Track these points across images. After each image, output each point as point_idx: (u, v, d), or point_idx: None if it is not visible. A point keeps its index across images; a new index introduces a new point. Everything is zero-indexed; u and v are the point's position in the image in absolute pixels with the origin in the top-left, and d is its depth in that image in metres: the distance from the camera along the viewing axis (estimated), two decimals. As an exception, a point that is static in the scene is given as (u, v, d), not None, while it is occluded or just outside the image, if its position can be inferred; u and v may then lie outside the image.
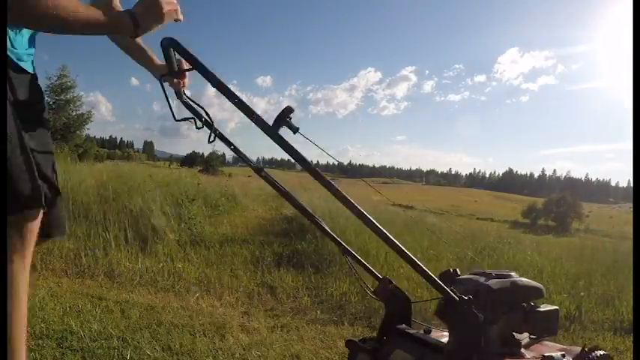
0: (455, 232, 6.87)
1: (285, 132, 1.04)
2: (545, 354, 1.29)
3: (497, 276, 1.38)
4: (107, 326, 2.26)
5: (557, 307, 1.41)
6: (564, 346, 1.44)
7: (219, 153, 41.02)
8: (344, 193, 1.10)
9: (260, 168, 1.31)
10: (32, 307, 2.46)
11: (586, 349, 1.34)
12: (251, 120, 1.03)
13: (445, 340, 1.35)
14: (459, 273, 1.44)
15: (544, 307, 1.37)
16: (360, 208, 1.13)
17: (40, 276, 3.23)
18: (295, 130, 1.04)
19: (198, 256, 4.11)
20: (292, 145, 1.05)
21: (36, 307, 2.45)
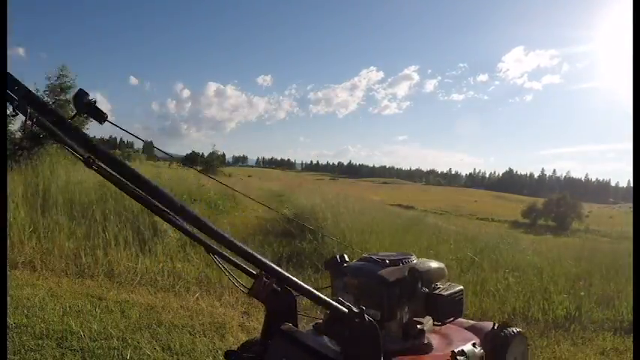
0: (455, 232, 6.85)
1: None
2: (455, 349, 1.15)
3: (392, 262, 1.18)
4: (107, 326, 2.26)
5: (461, 287, 1.24)
6: (474, 322, 1.32)
7: (219, 153, 40.73)
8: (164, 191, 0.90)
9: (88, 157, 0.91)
10: (32, 306, 2.45)
11: (496, 326, 1.25)
12: None
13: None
14: (346, 259, 1.27)
15: (446, 290, 1.20)
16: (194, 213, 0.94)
17: (40, 276, 3.23)
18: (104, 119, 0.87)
19: (198, 256, 4.11)
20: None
21: (36, 307, 2.44)
